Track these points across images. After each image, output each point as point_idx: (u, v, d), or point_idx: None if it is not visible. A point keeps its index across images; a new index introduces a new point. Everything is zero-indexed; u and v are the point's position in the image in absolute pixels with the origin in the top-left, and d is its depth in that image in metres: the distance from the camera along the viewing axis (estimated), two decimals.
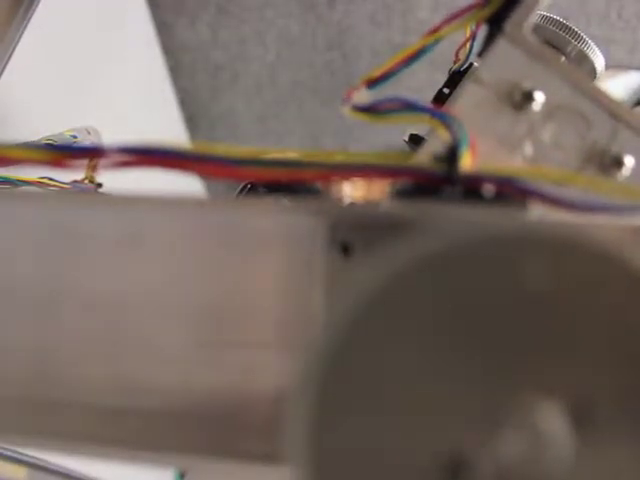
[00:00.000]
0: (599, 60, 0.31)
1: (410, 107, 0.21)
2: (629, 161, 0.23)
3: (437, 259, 0.14)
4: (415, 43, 0.24)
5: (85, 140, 0.39)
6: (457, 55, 0.29)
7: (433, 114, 0.21)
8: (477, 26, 0.26)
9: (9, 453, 0.59)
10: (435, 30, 0.24)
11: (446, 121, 0.20)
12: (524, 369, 0.14)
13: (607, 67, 0.32)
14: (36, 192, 0.23)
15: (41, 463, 0.63)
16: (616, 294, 0.13)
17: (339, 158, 0.18)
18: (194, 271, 0.20)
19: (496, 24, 0.24)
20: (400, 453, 0.14)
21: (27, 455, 0.61)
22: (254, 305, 0.19)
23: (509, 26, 0.23)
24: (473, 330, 0.13)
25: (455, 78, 0.29)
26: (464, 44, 0.29)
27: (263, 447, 0.18)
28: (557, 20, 0.30)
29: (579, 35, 0.30)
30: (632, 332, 0.13)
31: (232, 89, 1.04)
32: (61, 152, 0.19)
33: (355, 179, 0.19)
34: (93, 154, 0.19)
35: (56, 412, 0.19)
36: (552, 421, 0.13)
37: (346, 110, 0.21)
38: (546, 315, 0.13)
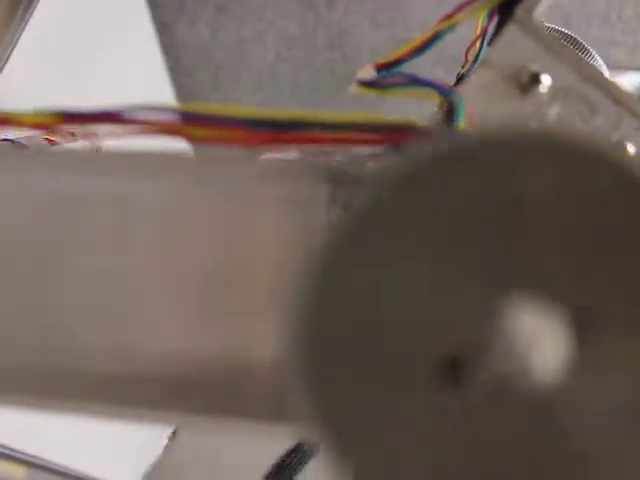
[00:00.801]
0: (602, 69, 0.31)
1: (415, 82, 0.21)
2: (630, 149, 0.24)
3: (437, 161, 0.13)
4: (428, 31, 0.24)
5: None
6: (466, 56, 0.29)
7: (438, 89, 0.20)
8: (488, 22, 0.26)
9: (8, 452, 0.58)
10: (450, 16, 0.24)
11: (448, 94, 0.20)
12: (521, 274, 0.13)
13: (608, 69, 0.33)
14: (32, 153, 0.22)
15: (40, 462, 0.62)
16: (615, 198, 0.13)
17: (330, 118, 0.18)
18: (191, 238, 0.19)
19: (507, 10, 0.24)
20: (397, 357, 0.13)
21: (26, 454, 0.61)
22: (252, 273, 0.19)
23: (520, 12, 0.24)
24: (468, 235, 0.13)
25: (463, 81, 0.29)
26: (474, 43, 0.28)
27: (264, 408, 0.18)
28: (560, 30, 0.30)
29: (582, 45, 0.30)
30: (632, 237, 0.13)
31: (232, 89, 1.04)
32: (68, 115, 0.19)
33: (346, 141, 0.19)
34: (106, 118, 0.19)
35: (56, 379, 0.19)
36: (550, 329, 0.13)
37: (352, 87, 0.21)
38: (545, 218, 0.13)
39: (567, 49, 0.27)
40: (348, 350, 0.13)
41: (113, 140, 0.19)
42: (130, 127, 0.19)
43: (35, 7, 0.58)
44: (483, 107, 0.22)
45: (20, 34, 0.57)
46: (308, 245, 0.17)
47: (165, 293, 0.19)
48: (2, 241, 0.19)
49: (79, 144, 0.21)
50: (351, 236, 0.14)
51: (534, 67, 0.23)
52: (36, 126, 0.19)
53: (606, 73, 0.31)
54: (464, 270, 0.14)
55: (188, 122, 0.18)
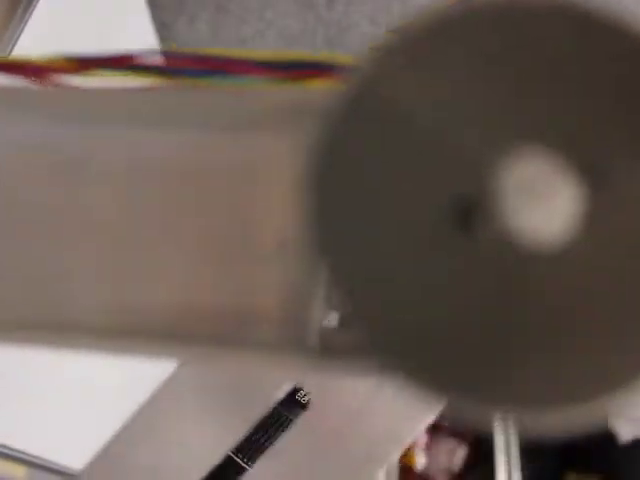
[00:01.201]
0: None
1: None
2: None
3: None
4: None
5: None
6: None
7: None
8: None
9: (8, 452, 0.58)
10: None
11: None
12: (539, 124, 0.13)
13: None
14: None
15: (40, 462, 0.62)
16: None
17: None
18: (193, 190, 0.19)
19: None
20: (411, 195, 0.14)
21: (27, 454, 0.61)
22: (255, 220, 0.19)
23: None
24: (493, 79, 0.13)
25: None
26: None
27: (272, 334, 0.18)
28: None
29: None
30: None
31: None
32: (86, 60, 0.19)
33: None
34: (119, 61, 0.19)
35: (60, 332, 0.19)
36: (560, 184, 0.13)
37: None
38: (569, 70, 0.13)
39: None
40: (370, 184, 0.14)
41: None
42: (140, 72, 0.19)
43: (35, 7, 0.58)
44: None
45: (20, 34, 0.57)
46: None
47: (168, 246, 0.19)
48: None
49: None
50: (402, 53, 0.14)
51: None
52: (50, 70, 0.19)
53: None
54: (487, 109, 0.14)
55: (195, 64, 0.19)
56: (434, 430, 1.49)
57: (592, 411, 0.13)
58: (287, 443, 0.21)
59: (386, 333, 0.13)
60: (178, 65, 0.19)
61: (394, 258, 0.14)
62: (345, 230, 0.14)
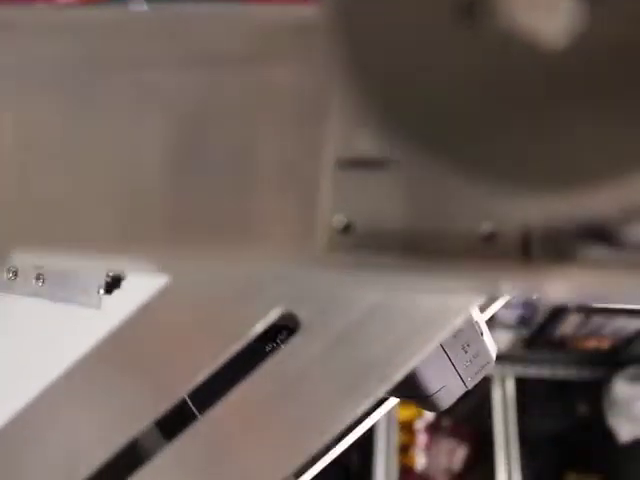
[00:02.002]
0: None
1: None
2: None
3: None
4: None
5: None
6: None
7: None
8: None
9: None
10: None
11: None
12: None
13: None
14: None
15: None
16: None
17: None
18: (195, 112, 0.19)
19: None
20: None
21: None
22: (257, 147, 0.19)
23: None
24: None
25: None
26: None
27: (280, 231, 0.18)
28: None
29: None
30: None
31: None
32: None
33: None
34: None
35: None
36: None
37: None
38: None
39: None
40: None
41: None
42: None
43: None
44: None
45: None
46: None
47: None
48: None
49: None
50: None
51: None
52: None
53: None
54: None
55: None
56: (434, 430, 1.49)
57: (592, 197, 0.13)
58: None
59: (401, 110, 0.14)
60: None
61: (406, 48, 0.14)
62: (361, 21, 0.14)
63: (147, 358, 0.22)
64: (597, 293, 0.17)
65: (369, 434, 1.32)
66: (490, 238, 0.17)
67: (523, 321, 1.34)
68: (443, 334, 0.21)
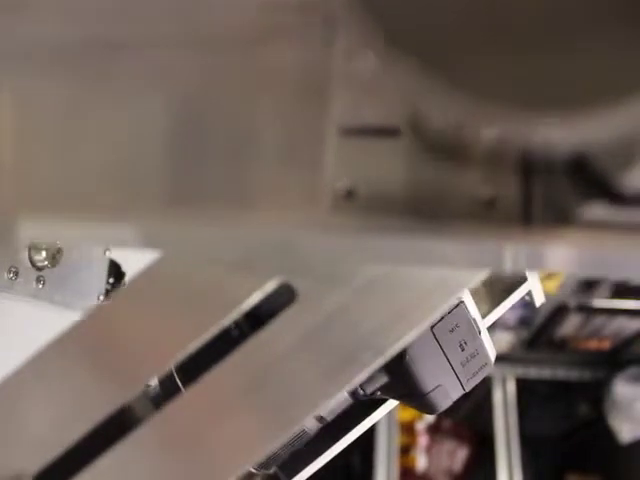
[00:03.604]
0: None
1: None
2: None
3: None
4: None
5: None
6: None
7: None
8: None
9: None
10: None
11: None
12: None
13: None
14: None
15: None
16: None
17: None
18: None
19: None
20: None
21: None
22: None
23: None
24: None
25: None
26: None
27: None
28: None
29: None
30: None
31: None
32: None
33: None
34: None
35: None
36: None
37: None
38: None
39: None
40: None
41: None
42: None
43: None
44: None
45: None
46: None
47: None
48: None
49: None
50: None
51: None
52: None
53: None
54: None
55: None
56: (435, 432, 1.48)
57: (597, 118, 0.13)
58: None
59: (401, 28, 0.14)
60: None
61: None
62: None
63: (136, 330, 0.22)
64: (598, 258, 0.17)
65: (370, 435, 1.31)
66: (491, 203, 0.17)
67: (524, 322, 1.34)
68: (440, 310, 0.21)
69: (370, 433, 1.30)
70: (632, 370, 1.38)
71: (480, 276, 0.22)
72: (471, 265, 0.20)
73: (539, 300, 0.40)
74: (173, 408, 0.22)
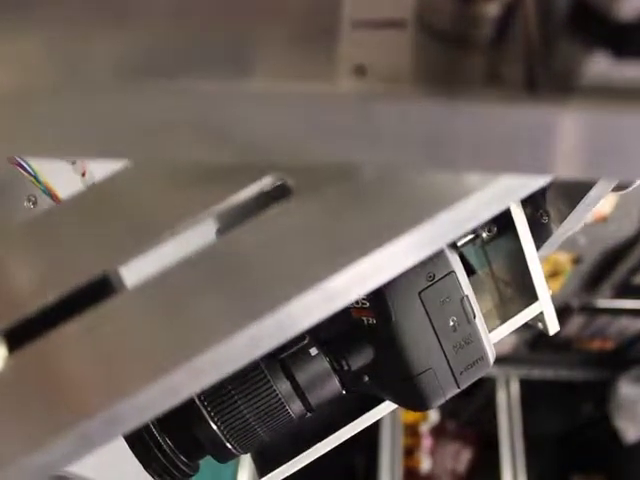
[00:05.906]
0: None
1: None
2: None
3: None
4: None
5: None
6: None
7: None
8: None
9: None
10: None
11: None
12: None
13: None
14: None
15: None
16: None
17: None
18: None
19: None
20: None
21: None
22: None
23: None
24: None
25: None
26: None
27: None
28: None
29: None
30: None
31: None
32: None
33: None
34: None
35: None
36: None
37: None
38: None
39: None
40: None
41: None
42: None
43: None
44: None
45: None
46: None
47: None
48: None
49: None
50: None
51: None
52: None
53: None
54: None
55: None
56: (439, 433, 1.48)
57: None
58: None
59: None
60: None
61: None
62: None
63: (128, 207, 0.22)
64: (604, 130, 0.18)
65: (374, 436, 1.31)
66: (496, 75, 0.18)
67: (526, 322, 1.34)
68: (438, 218, 0.20)
69: (374, 434, 1.30)
70: (636, 370, 1.38)
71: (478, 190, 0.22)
72: (479, 154, 0.20)
73: (553, 328, 0.37)
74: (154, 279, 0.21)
